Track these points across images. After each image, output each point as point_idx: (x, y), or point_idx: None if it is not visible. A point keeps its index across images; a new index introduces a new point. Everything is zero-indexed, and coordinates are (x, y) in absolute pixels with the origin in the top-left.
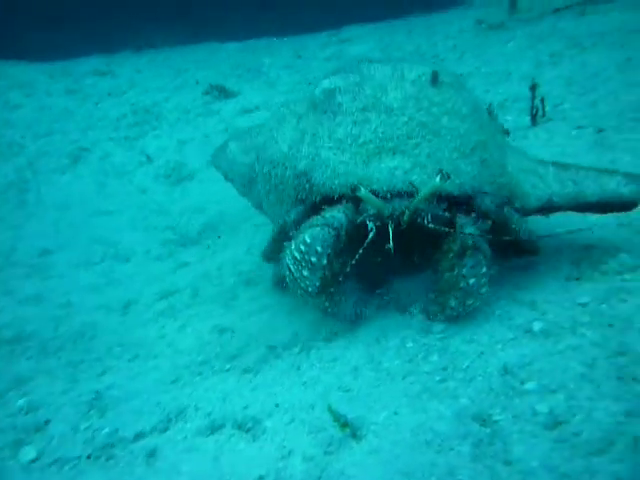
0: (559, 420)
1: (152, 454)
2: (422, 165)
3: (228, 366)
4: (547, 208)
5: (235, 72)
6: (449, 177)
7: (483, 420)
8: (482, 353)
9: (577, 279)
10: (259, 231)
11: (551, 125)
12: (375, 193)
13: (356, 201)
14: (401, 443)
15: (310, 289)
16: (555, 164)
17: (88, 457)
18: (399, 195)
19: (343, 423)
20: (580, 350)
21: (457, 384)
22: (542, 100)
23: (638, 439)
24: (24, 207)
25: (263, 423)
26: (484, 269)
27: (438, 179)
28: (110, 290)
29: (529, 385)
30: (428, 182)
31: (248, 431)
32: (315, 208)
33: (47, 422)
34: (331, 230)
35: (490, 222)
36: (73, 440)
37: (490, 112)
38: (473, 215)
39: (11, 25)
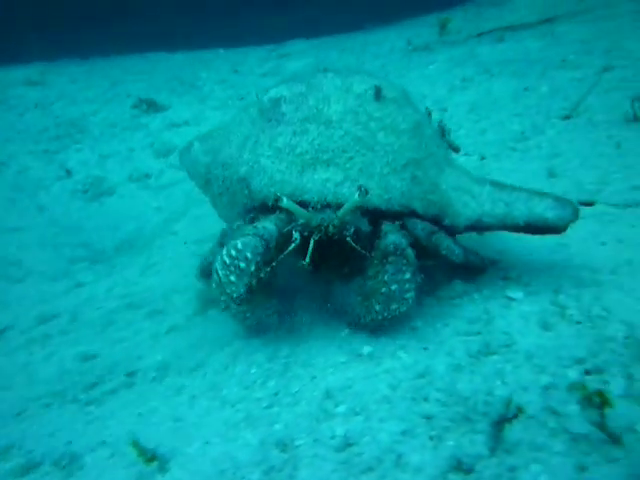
0: (350, 442)
1: None
2: (353, 179)
3: (83, 396)
4: (477, 227)
5: (169, 85)
6: (367, 193)
7: (285, 446)
8: (314, 377)
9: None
10: (168, 249)
11: None
12: (307, 203)
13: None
14: (199, 474)
15: (235, 295)
16: (493, 183)
17: None
18: (329, 207)
19: (150, 457)
20: (392, 372)
21: (281, 409)
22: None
23: (401, 456)
24: None
25: (83, 459)
26: (407, 275)
27: (357, 195)
28: None
29: (340, 408)
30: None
31: (64, 468)
32: (256, 214)
33: None
34: (262, 240)
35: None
36: None
37: (442, 128)
38: (397, 223)
39: None
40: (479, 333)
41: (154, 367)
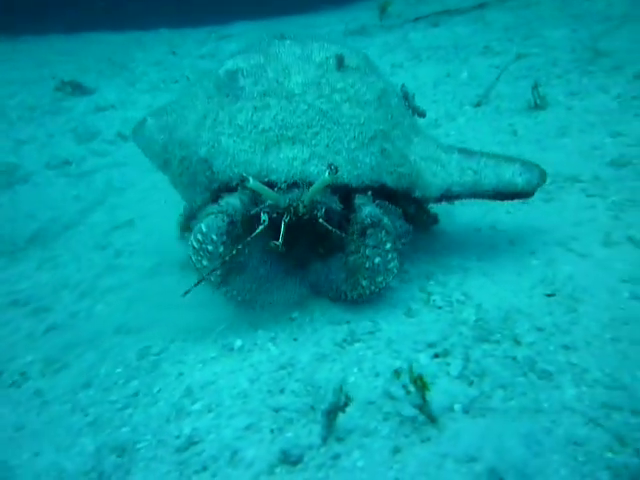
0: (194, 441)
1: None
2: (320, 156)
3: None
4: (447, 197)
5: (98, 67)
6: (337, 171)
7: (123, 450)
8: (181, 374)
9: None
10: (74, 240)
11: None
12: (274, 183)
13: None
14: None
15: (213, 278)
16: (461, 151)
17: None
18: (297, 186)
19: None
20: (256, 366)
21: (135, 411)
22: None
23: (237, 452)
24: None
25: None
26: (388, 245)
27: (327, 174)
28: None
29: (196, 405)
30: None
31: None
32: (218, 195)
33: None
34: (225, 217)
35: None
36: None
37: (405, 94)
38: (369, 193)
39: None
40: (348, 322)
41: (18, 370)
